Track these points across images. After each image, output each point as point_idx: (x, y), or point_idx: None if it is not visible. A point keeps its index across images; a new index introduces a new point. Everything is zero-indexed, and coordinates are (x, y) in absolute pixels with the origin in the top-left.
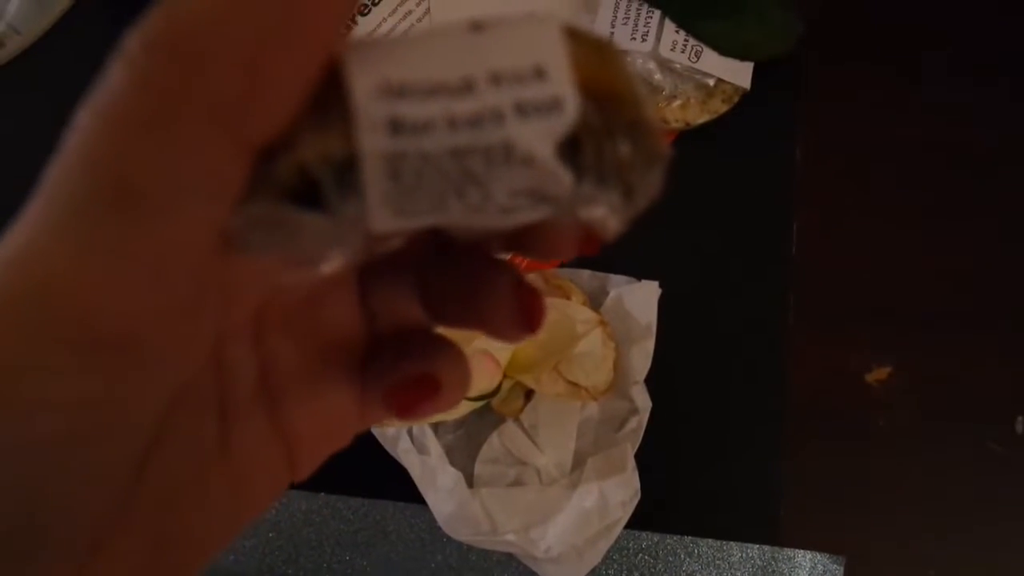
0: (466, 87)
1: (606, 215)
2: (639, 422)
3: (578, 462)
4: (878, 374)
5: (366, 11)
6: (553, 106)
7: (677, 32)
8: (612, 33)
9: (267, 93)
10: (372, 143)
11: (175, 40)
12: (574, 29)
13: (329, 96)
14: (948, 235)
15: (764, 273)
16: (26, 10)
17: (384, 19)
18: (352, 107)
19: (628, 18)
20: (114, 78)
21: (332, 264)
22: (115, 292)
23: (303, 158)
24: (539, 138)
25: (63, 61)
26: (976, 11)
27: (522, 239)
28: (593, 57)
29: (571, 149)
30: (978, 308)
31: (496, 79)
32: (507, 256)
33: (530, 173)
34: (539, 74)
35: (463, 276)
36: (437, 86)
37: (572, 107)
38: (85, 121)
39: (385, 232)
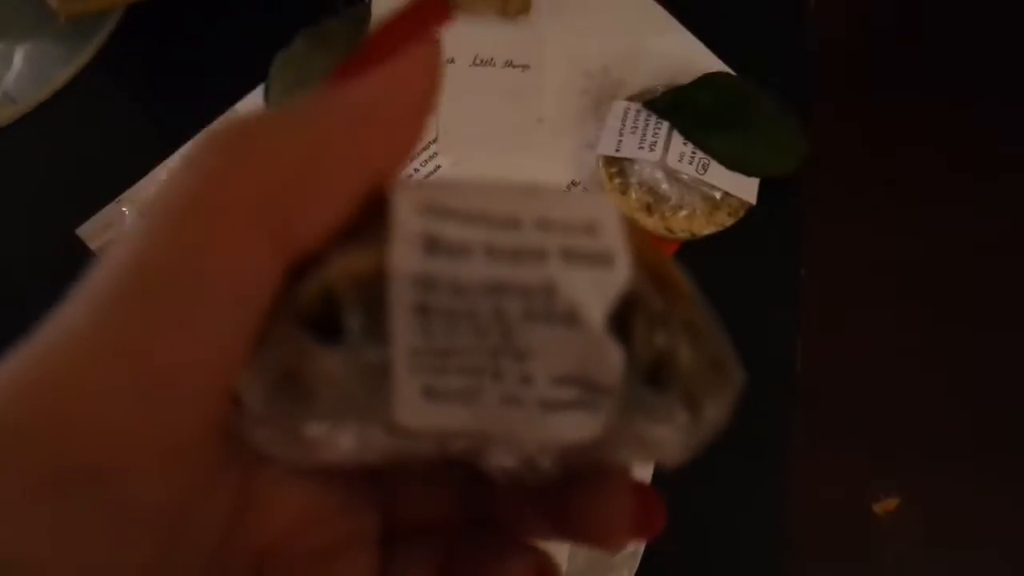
0: (511, 223)
1: (667, 437)
2: (636, 546)
3: None
4: (886, 505)
5: None
6: (602, 260)
7: (685, 144)
8: (620, 141)
9: (310, 198)
10: (403, 258)
11: (232, 136)
12: (629, 218)
13: (372, 224)
14: (953, 352)
15: (766, 392)
16: (25, 80)
17: None
18: (391, 223)
19: (636, 127)
20: (169, 178)
21: (340, 451)
22: (106, 402)
23: (329, 276)
24: (584, 289)
25: (60, 130)
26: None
27: (568, 510)
28: (651, 247)
29: (622, 328)
30: (982, 426)
31: (544, 224)
32: (546, 537)
33: (574, 341)
34: (590, 229)
35: (491, 554)
36: (481, 216)
37: (624, 267)
38: (137, 222)
39: (408, 425)
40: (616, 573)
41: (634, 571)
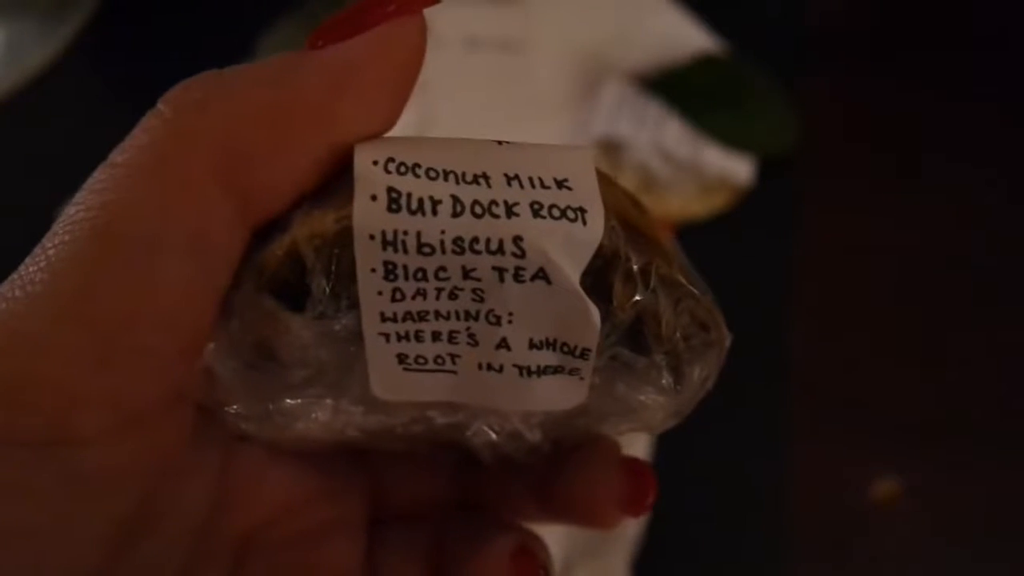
0: (479, 177)
1: (652, 401)
2: (632, 530)
3: (566, 569)
4: (885, 492)
5: None
6: (575, 215)
7: (678, 124)
8: (613, 122)
9: (274, 157)
10: (365, 214)
11: (199, 88)
12: (610, 176)
13: (341, 186)
14: (949, 341)
15: (761, 378)
16: (2, 62)
17: None
18: (354, 180)
19: (629, 108)
20: (135, 129)
21: (317, 427)
22: (64, 362)
23: (294, 238)
24: (556, 244)
25: (39, 116)
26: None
27: (557, 488)
28: (631, 203)
29: (600, 287)
30: (984, 414)
31: (515, 179)
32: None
33: (549, 300)
34: (563, 184)
35: (473, 536)
36: (447, 172)
37: (597, 221)
38: (95, 175)
39: (385, 398)
40: (613, 557)
41: (629, 557)
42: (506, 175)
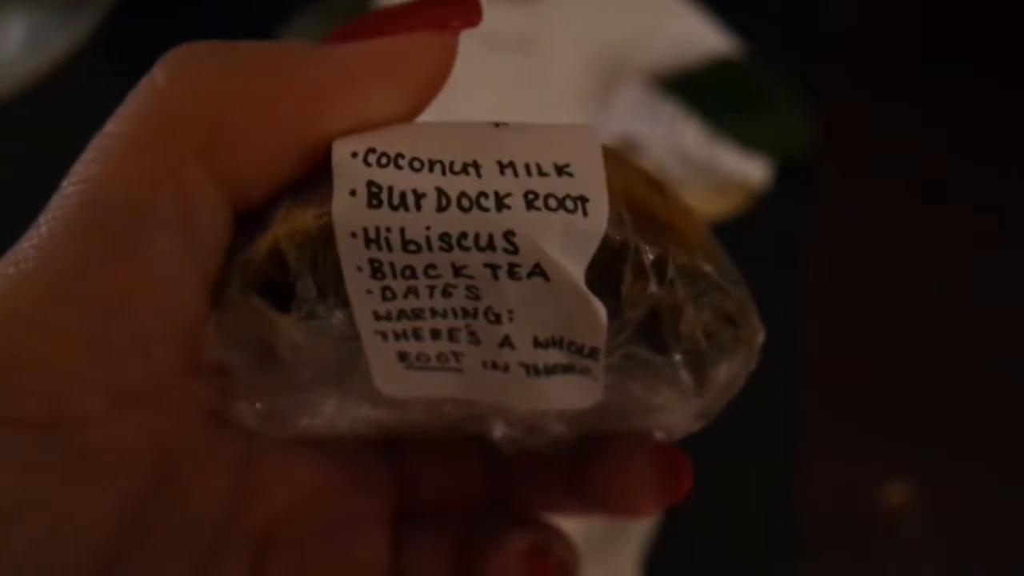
0: (467, 166)
1: (672, 403)
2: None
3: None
4: (895, 496)
5: None
6: (574, 204)
7: (696, 126)
8: (630, 123)
9: (258, 143)
10: (344, 211)
11: (191, 61)
12: (624, 155)
13: (320, 179)
14: (966, 346)
15: (776, 381)
16: (23, 51)
17: None
18: (332, 174)
19: (646, 109)
20: (126, 100)
21: (324, 423)
22: (57, 343)
23: (275, 236)
24: (552, 237)
25: (59, 107)
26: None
27: (587, 477)
28: (646, 185)
29: (610, 281)
30: (999, 419)
31: (508, 166)
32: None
33: (550, 297)
34: (562, 170)
35: (494, 532)
36: (432, 161)
37: (601, 211)
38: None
39: (390, 395)
40: (623, 555)
41: (639, 554)
42: (499, 163)
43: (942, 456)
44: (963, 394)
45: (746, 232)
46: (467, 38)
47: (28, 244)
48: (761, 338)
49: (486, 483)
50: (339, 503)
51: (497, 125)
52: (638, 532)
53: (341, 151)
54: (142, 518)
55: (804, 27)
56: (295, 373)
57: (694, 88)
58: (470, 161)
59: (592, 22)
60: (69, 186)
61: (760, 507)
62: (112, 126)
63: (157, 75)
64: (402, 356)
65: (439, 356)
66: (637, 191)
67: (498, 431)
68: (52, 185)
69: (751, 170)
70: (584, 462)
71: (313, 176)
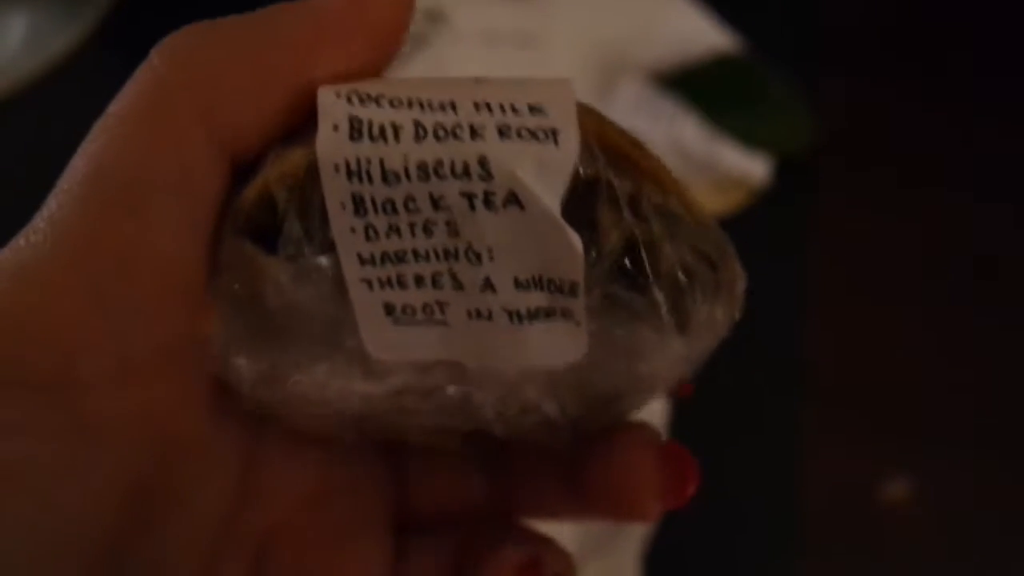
0: (445, 106)
1: (654, 344)
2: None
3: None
4: (894, 493)
5: None
6: (545, 135)
7: (696, 123)
8: (629, 120)
9: (249, 100)
10: (327, 145)
11: (180, 43)
12: (597, 110)
13: (308, 128)
14: (969, 344)
15: (774, 378)
16: (24, 49)
17: None
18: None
19: (645, 106)
20: (125, 86)
21: (318, 390)
22: (64, 306)
23: (265, 177)
24: (524, 164)
25: (61, 105)
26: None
27: (589, 479)
28: (619, 134)
29: (582, 217)
30: (999, 420)
31: (483, 106)
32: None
33: (526, 230)
34: (535, 110)
35: (490, 543)
36: (411, 101)
37: (571, 142)
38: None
39: (379, 356)
40: (623, 554)
41: (639, 554)
42: (475, 103)
43: (943, 451)
44: (964, 389)
45: (746, 229)
46: (468, 34)
47: (39, 219)
48: (743, 285)
49: (486, 492)
50: (340, 509)
51: (478, 80)
52: (638, 530)
53: (325, 93)
54: (143, 509)
55: (804, 23)
56: (286, 327)
57: (694, 85)
58: (447, 101)
59: (592, 19)
60: (76, 162)
61: (760, 504)
62: (113, 107)
63: (154, 59)
64: (388, 309)
65: (425, 307)
66: (611, 135)
67: (489, 411)
68: (52, 183)
69: (751, 167)
70: (587, 459)
71: (302, 126)
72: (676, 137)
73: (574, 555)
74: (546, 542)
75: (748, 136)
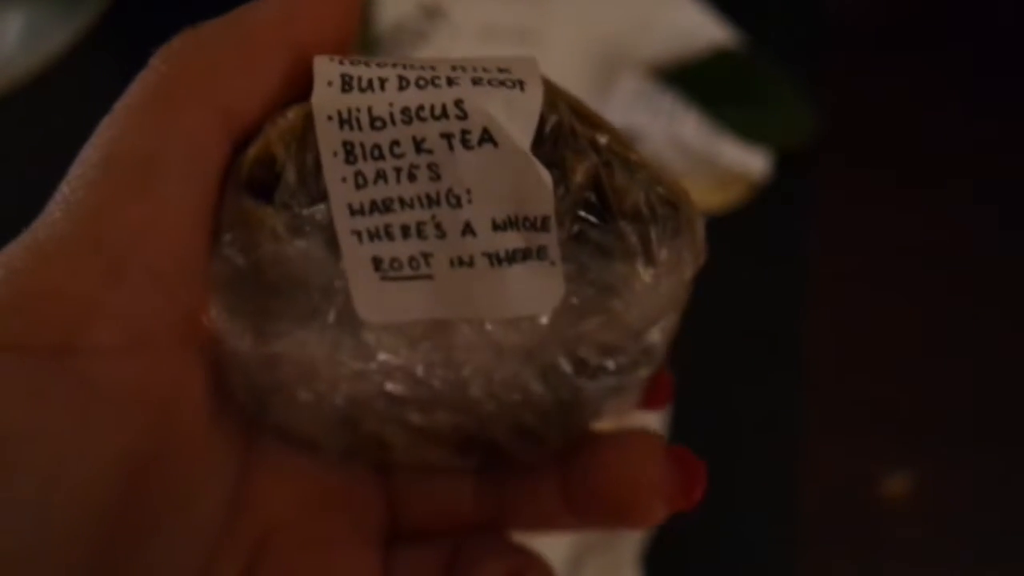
0: (424, 67)
1: (628, 279)
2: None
3: (576, 565)
4: (895, 488)
5: None
6: (513, 84)
7: (695, 117)
8: (628, 114)
9: (247, 76)
10: (321, 97)
11: (181, 41)
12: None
13: (304, 96)
14: (968, 340)
15: (775, 374)
16: (20, 46)
17: None
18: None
19: (645, 100)
20: (132, 82)
21: (306, 354)
22: (76, 276)
23: (267, 136)
24: (496, 105)
25: (58, 103)
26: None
27: (589, 484)
28: (576, 101)
29: (551, 160)
30: (998, 416)
31: (459, 67)
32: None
33: (501, 169)
34: (503, 70)
35: (477, 557)
36: (395, 64)
37: (536, 90)
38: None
39: (369, 318)
40: (622, 551)
41: (638, 551)
42: (452, 66)
43: (942, 447)
44: (965, 385)
45: (746, 224)
46: (467, 29)
47: (53, 205)
48: (702, 227)
49: (476, 506)
50: (332, 518)
51: (455, 60)
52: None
53: (320, 59)
54: (143, 509)
55: (804, 18)
56: (280, 291)
57: (694, 80)
58: (427, 65)
59: (591, 14)
60: (86, 151)
61: (759, 500)
62: (120, 101)
63: (154, 61)
64: (377, 263)
65: (411, 260)
66: (572, 97)
67: (477, 390)
68: (52, 179)
69: (751, 162)
70: (586, 465)
71: (300, 94)
72: (676, 132)
73: (573, 555)
74: (530, 557)
75: (748, 131)
